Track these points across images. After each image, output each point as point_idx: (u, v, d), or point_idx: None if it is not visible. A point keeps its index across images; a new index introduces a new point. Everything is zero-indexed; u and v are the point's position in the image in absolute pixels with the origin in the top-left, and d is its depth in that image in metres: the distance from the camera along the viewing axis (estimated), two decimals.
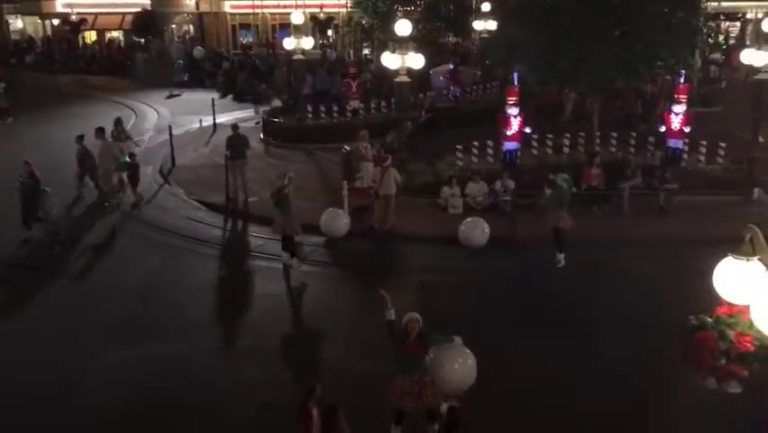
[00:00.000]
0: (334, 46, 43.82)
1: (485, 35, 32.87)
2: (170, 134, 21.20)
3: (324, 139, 21.87)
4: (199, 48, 40.28)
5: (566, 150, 19.43)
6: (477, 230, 14.21)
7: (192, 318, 11.58)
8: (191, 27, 48.23)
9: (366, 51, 36.54)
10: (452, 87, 26.87)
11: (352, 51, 37.05)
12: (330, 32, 44.89)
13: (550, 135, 19.61)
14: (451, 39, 34.74)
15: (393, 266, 14.16)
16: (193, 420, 8.79)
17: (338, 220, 14.97)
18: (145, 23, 42.40)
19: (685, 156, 18.52)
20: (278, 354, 10.57)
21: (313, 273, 13.54)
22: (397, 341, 7.74)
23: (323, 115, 24.33)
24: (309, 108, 24.50)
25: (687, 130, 18.05)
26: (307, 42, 24.69)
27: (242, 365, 10.15)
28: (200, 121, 25.63)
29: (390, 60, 18.54)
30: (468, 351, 8.09)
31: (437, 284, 12.85)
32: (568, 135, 19.51)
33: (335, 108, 24.37)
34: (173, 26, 47.68)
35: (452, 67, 28.66)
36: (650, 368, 9.15)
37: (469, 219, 14.63)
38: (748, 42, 31.10)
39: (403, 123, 20.03)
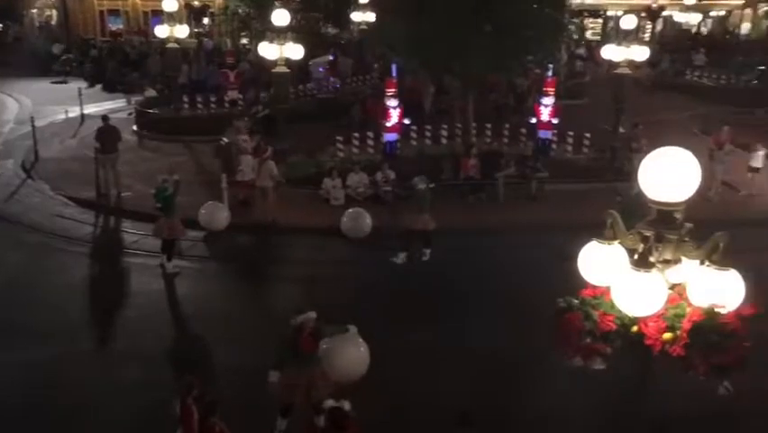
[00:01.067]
0: (211, 35, 42.56)
1: (364, 27, 33.06)
2: (33, 126, 19.87)
3: (201, 131, 21.22)
4: (58, 45, 37.70)
5: (444, 141, 19.93)
6: (359, 221, 14.32)
7: (63, 320, 10.95)
8: (54, 12, 45.30)
9: (244, 41, 35.77)
10: (331, 79, 26.84)
11: (229, 41, 36.12)
12: (206, 21, 43.56)
13: (429, 127, 20.06)
14: (330, 30, 34.66)
15: (275, 259, 14.02)
16: (65, 426, 8.33)
17: (218, 214, 14.62)
18: (2, 7, 39.41)
19: (554, 146, 19.47)
20: (155, 353, 10.18)
21: (192, 269, 13.16)
22: (291, 339, 7.70)
23: (200, 106, 23.63)
24: (185, 99, 23.72)
25: (555, 122, 18.98)
26: (182, 31, 23.83)
27: (117, 367, 9.71)
28: (66, 112, 24.18)
29: (268, 51, 18.26)
30: (360, 340, 8.19)
31: (320, 276, 12.83)
32: (446, 126, 20.02)
33: (213, 99, 23.72)
34: (34, 11, 44.58)
35: (331, 58, 28.62)
36: (522, 349, 9.56)
37: (351, 210, 14.71)
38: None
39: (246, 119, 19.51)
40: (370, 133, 19.15)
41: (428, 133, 19.96)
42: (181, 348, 10.46)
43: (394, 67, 17.93)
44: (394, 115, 17.92)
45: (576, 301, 4.67)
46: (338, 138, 18.95)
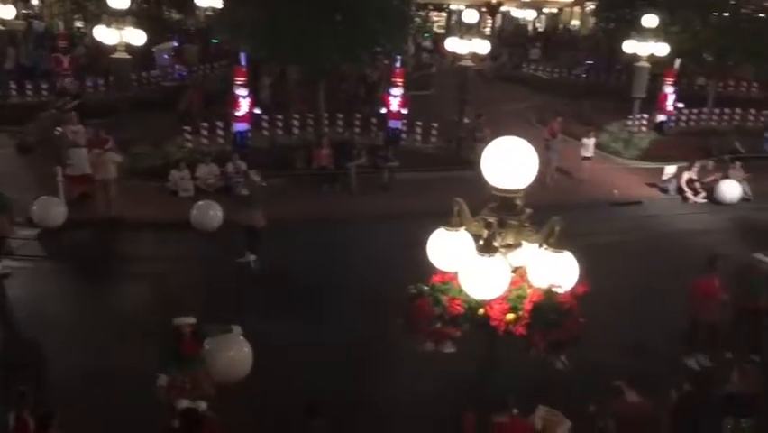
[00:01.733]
0: (41, 17, 39.38)
1: (210, 13, 32.02)
2: None
3: (32, 120, 19.60)
4: None
5: (296, 131, 19.79)
6: (209, 213, 13.89)
7: None
8: None
9: (79, 24, 33.46)
10: (176, 66, 25.79)
11: (61, 23, 33.64)
12: (35, 1, 40.26)
13: (280, 117, 19.82)
14: (174, 15, 33.28)
15: (119, 256, 13.29)
16: None
17: (52, 209, 13.61)
18: None
19: (404, 136, 19.93)
20: None
21: (24, 269, 12.16)
22: (172, 342, 7.51)
23: (29, 93, 21.85)
24: (13, 85, 21.84)
25: (405, 112, 19.41)
26: (7, 11, 21.92)
27: None
28: None
29: (106, 35, 17.19)
30: (243, 340, 8.04)
31: (169, 272, 12.32)
32: (297, 117, 19.88)
33: (44, 86, 22.01)
34: None
35: (176, 45, 27.47)
36: (376, 338, 9.71)
37: (200, 202, 14.23)
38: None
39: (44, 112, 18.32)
40: (220, 123, 18.62)
41: (280, 124, 19.73)
42: (13, 355, 9.63)
43: (243, 55, 17.51)
44: (244, 105, 17.51)
45: (426, 288, 4.81)
46: (186, 128, 18.26)
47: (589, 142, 18.49)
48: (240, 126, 17.65)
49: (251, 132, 18.13)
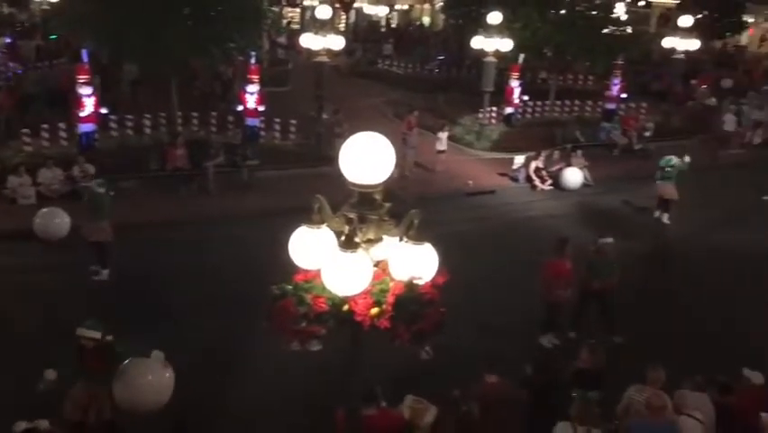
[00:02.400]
0: None
1: (46, 7, 29.90)
2: None
3: None
4: None
5: (148, 131, 18.95)
6: (54, 221, 12.99)
7: None
8: None
9: None
10: (10, 64, 23.85)
11: None
12: None
13: (130, 116, 18.90)
14: (5, 9, 30.77)
15: None
16: None
17: None
18: None
19: (262, 133, 19.63)
20: None
21: None
22: (76, 354, 7.12)
23: None
24: None
25: (262, 109, 19.12)
26: None
27: None
28: None
29: None
30: (163, 367, 7.28)
31: (9, 285, 11.36)
32: (149, 116, 19.04)
33: None
34: None
35: (9, 41, 25.42)
36: (241, 339, 9.55)
37: (44, 210, 13.27)
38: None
39: None
40: (62, 125, 17.46)
41: (130, 123, 18.81)
42: None
43: (85, 52, 16.48)
44: (89, 105, 16.49)
45: (289, 287, 4.76)
46: (24, 130, 16.96)
47: (443, 135, 19.10)
48: (85, 127, 16.61)
49: (97, 132, 17.14)
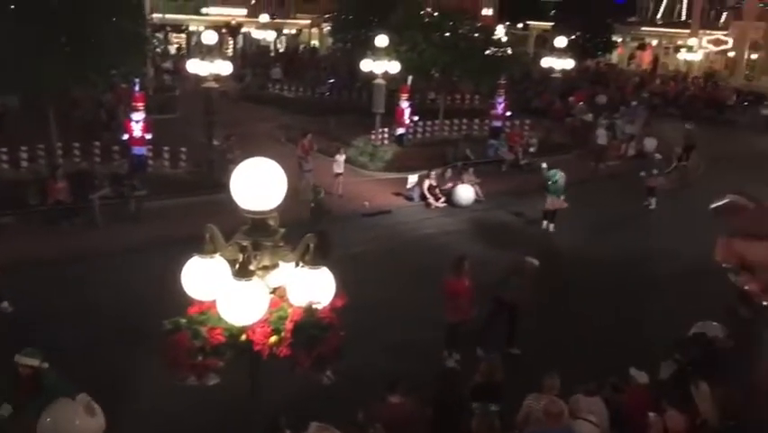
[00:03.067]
0: None
1: None
2: None
3: None
4: None
5: (25, 164, 17.94)
6: None
7: None
8: None
9: None
10: None
11: None
12: None
13: (4, 149, 17.84)
14: None
15: None
16: None
17: None
18: None
19: (151, 162, 19.02)
20: None
21: None
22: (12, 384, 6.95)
23: None
24: None
25: (149, 137, 18.54)
26: None
27: None
28: None
29: None
30: (89, 412, 6.79)
31: None
32: (25, 148, 18.03)
33: None
34: None
35: None
36: (137, 375, 9.14)
37: None
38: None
39: None
40: None
41: (5, 157, 17.75)
42: None
43: None
44: None
45: (183, 321, 4.60)
46: None
47: (340, 158, 19.18)
48: None
49: None
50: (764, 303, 0.83)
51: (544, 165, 17.32)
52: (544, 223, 17.08)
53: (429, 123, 25.82)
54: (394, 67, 22.04)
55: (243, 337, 4.56)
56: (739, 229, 0.84)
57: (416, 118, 24.90)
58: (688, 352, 8.77)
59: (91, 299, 11.87)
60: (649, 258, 15.53)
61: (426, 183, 18.92)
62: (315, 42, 55.93)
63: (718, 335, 8.96)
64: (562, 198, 16.72)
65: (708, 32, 49.85)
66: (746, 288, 0.82)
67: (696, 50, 47.84)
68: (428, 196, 18.81)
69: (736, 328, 8.71)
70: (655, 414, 7.23)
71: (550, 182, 16.63)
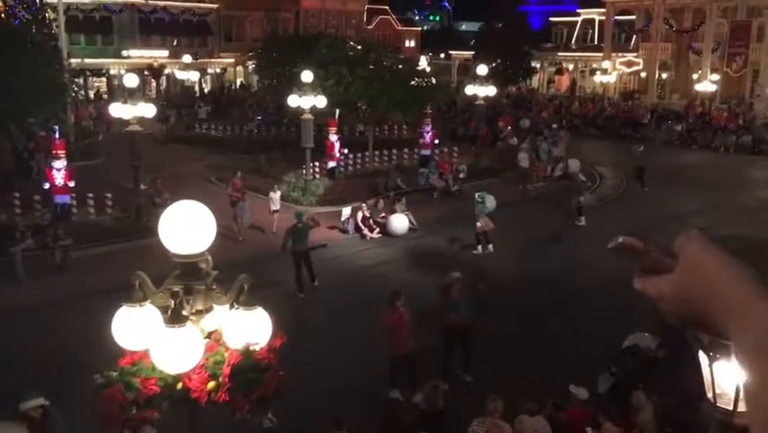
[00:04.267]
0: None
1: None
2: None
3: None
4: None
5: None
6: None
7: None
8: None
9: None
10: None
11: None
12: None
13: None
14: None
15: None
16: None
17: None
18: None
19: (75, 210, 18.44)
20: None
21: None
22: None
23: None
24: None
25: (72, 184, 18.00)
26: None
27: None
28: None
29: None
30: None
31: None
32: None
33: None
34: None
35: None
36: None
37: None
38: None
39: None
40: None
41: None
42: None
43: None
44: None
45: (114, 374, 4.44)
46: None
47: (275, 195, 18.99)
48: None
49: None
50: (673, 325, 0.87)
51: (478, 193, 17.66)
52: (479, 247, 17.33)
53: (359, 155, 25.98)
54: (321, 101, 22.14)
55: (180, 386, 4.44)
56: (640, 266, 0.88)
57: (345, 151, 25.01)
58: (623, 364, 9.00)
59: (14, 356, 11.31)
60: (580, 273, 15.92)
61: (360, 215, 18.97)
62: (240, 80, 55.77)
63: (650, 345, 9.24)
64: (488, 220, 17.10)
65: (620, 54, 52.20)
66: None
67: (610, 71, 49.94)
68: (363, 227, 18.84)
69: (667, 338, 9.00)
70: (592, 429, 7.37)
71: (479, 203, 17.03)
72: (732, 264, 0.86)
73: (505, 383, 8.59)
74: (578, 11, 58.48)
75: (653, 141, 33.75)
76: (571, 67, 58.03)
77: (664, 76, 50.80)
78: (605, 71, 49.40)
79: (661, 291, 0.92)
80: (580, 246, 17.56)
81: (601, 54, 52.35)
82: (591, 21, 56.68)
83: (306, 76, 21.64)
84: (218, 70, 55.02)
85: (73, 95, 20.03)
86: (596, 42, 55.75)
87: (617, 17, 52.42)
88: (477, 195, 17.34)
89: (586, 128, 38.60)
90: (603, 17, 53.75)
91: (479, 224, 17.11)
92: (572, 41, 58.43)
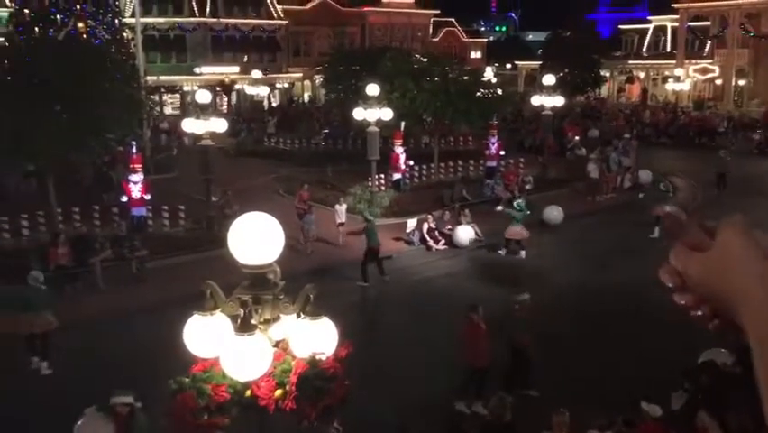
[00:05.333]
0: None
1: None
2: None
3: None
4: None
5: (26, 232, 18.04)
6: None
7: None
8: None
9: None
10: None
11: None
12: None
13: (5, 218, 17.96)
14: None
15: None
16: None
17: None
18: None
19: (150, 222, 19.13)
20: None
21: None
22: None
23: None
24: None
25: (148, 197, 18.70)
26: None
27: None
28: None
29: None
30: None
31: None
32: (26, 216, 18.17)
33: None
34: None
35: None
36: None
37: None
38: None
39: None
40: None
41: (6, 226, 17.86)
42: None
43: None
44: None
45: (187, 380, 4.59)
46: None
47: (341, 208, 19.23)
48: None
49: None
50: (697, 315, 0.87)
51: (516, 202, 18.50)
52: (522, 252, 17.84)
53: (424, 166, 26.02)
54: (386, 114, 22.32)
55: (248, 393, 4.55)
56: (676, 241, 0.89)
57: (411, 163, 25.10)
58: (698, 380, 8.69)
59: (96, 362, 11.80)
60: (652, 287, 15.44)
61: (425, 226, 18.98)
62: (307, 95, 56.75)
63: (727, 361, 8.89)
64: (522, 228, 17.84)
65: (693, 61, 50.65)
66: (682, 303, 0.85)
67: (683, 79, 48.50)
68: (428, 239, 18.85)
69: (744, 354, 8.65)
70: None
71: (515, 212, 17.87)
72: (757, 254, 0.87)
73: (573, 398, 8.42)
74: (649, 18, 57.14)
75: (730, 149, 32.55)
76: (641, 75, 56.66)
77: (741, 83, 48.97)
78: (678, 79, 48.01)
79: (688, 267, 0.93)
80: (652, 259, 17.01)
81: (674, 62, 50.95)
82: (663, 27, 55.27)
83: (372, 89, 21.86)
84: (286, 85, 56.17)
85: (149, 111, 20.77)
86: (668, 50, 54.29)
87: (690, 23, 50.95)
88: (515, 203, 18.12)
89: (657, 137, 37.57)
90: (676, 24, 52.35)
91: (513, 229, 17.67)
92: (643, 49, 57.05)
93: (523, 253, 17.84)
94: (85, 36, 29.60)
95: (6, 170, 20.93)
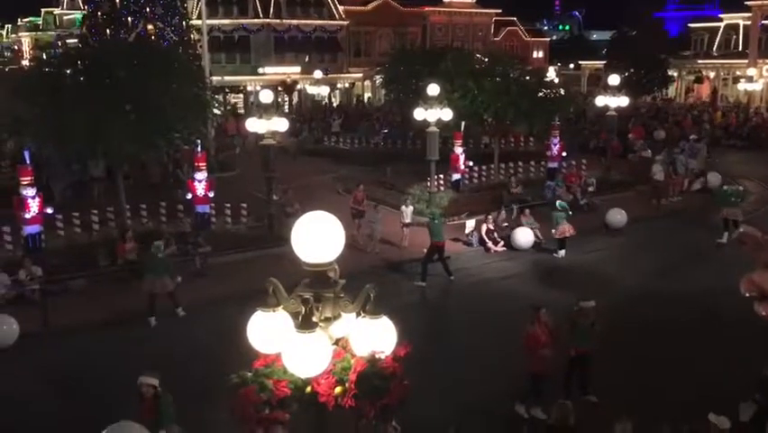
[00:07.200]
0: None
1: None
2: None
3: None
4: None
5: (96, 227, 18.71)
6: (2, 328, 12.57)
7: None
8: None
9: None
10: None
11: None
12: None
13: (76, 214, 18.67)
14: None
15: None
16: None
17: None
18: None
19: (213, 219, 19.56)
20: None
21: None
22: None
23: None
24: None
25: (211, 195, 19.12)
26: None
27: None
28: None
29: None
30: None
31: None
32: (96, 212, 18.84)
33: None
34: None
35: None
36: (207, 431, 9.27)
37: None
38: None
39: None
40: (7, 228, 17.11)
41: (77, 222, 18.55)
42: None
43: (27, 153, 16.35)
44: (33, 206, 16.23)
45: (249, 374, 4.68)
46: None
47: (408, 209, 19.22)
48: (31, 229, 16.29)
49: (44, 233, 16.81)
50: None
51: (559, 202, 18.60)
52: (561, 252, 17.93)
53: (484, 167, 25.81)
54: (446, 114, 22.21)
55: (308, 389, 4.61)
56: (757, 260, 0.86)
57: (470, 163, 24.93)
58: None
59: (162, 354, 12.14)
60: (719, 294, 14.93)
61: (484, 227, 18.83)
62: (367, 95, 57.04)
63: None
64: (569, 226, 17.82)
65: (767, 60, 48.73)
66: (763, 313, 0.82)
67: (756, 79, 46.70)
68: (487, 240, 18.69)
69: None
70: None
71: (559, 212, 17.92)
72: None
73: (637, 407, 8.21)
74: (720, 16, 55.26)
75: None
76: (711, 75, 54.85)
77: None
78: (750, 79, 46.25)
79: (764, 288, 0.90)
80: (720, 265, 16.49)
81: (746, 61, 49.12)
82: (735, 26, 53.37)
83: (433, 89, 21.80)
84: (347, 85, 56.61)
85: (215, 111, 21.25)
86: (740, 49, 52.38)
87: (764, 21, 49.02)
88: (558, 203, 18.20)
89: (728, 139, 36.30)
90: (748, 22, 50.49)
91: (562, 228, 17.70)
92: (714, 48, 55.21)
93: (562, 252, 17.91)
94: (154, 38, 30.47)
95: (57, 176, 21.72)
